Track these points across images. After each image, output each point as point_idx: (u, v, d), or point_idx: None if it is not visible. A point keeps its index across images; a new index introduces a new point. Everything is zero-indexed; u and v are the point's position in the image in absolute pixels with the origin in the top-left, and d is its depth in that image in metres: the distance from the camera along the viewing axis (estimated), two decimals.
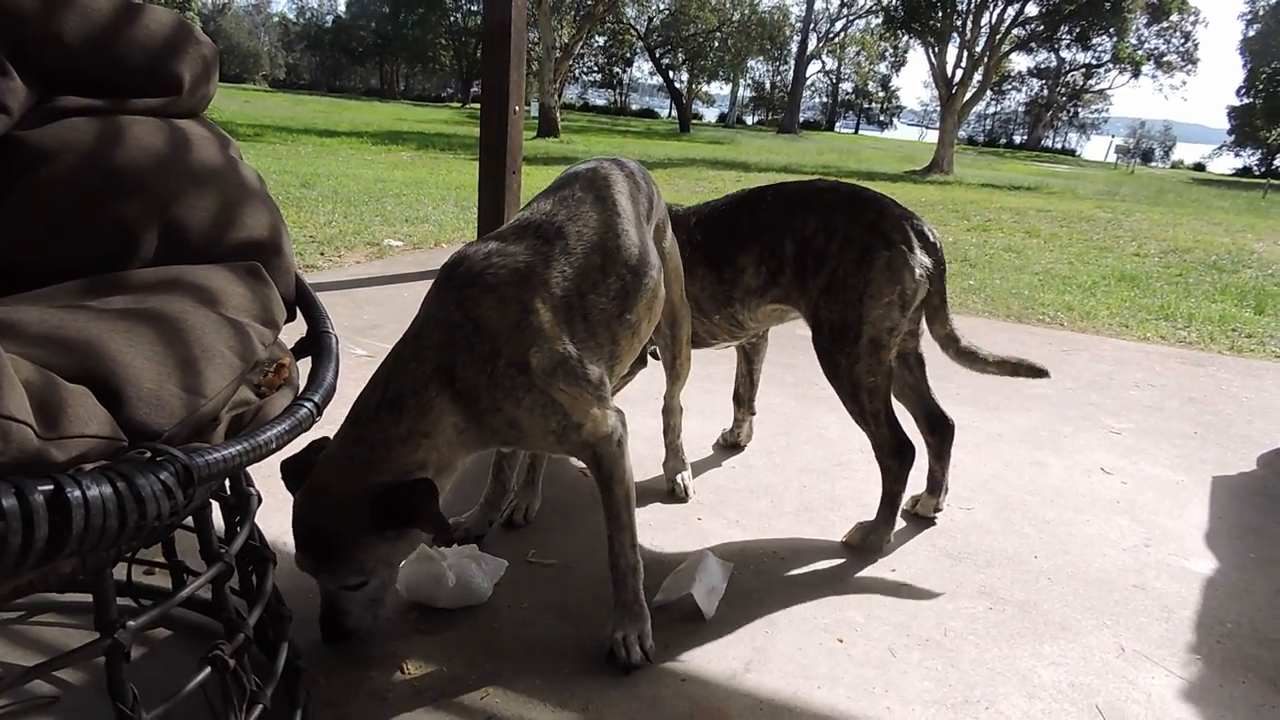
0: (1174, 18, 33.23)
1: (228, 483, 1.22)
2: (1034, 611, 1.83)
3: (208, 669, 1.01)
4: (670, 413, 2.26)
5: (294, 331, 1.34)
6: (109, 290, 1.12)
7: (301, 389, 1.17)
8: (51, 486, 0.70)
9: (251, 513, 1.20)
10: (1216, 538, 2.24)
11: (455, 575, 1.65)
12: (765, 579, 1.89)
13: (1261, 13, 39.72)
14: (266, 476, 1.54)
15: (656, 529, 2.07)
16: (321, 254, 5.08)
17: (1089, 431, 2.97)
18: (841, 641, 1.67)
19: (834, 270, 1.96)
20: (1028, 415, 3.10)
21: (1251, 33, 40.97)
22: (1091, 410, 3.20)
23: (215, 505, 1.19)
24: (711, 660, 1.59)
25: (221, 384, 0.99)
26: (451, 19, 50.70)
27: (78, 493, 0.71)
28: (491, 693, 1.45)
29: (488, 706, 1.42)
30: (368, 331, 3.44)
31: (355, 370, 2.99)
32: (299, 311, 1.39)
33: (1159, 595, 1.93)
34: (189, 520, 1.09)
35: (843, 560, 1.99)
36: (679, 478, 2.25)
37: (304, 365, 1.30)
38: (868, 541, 2.03)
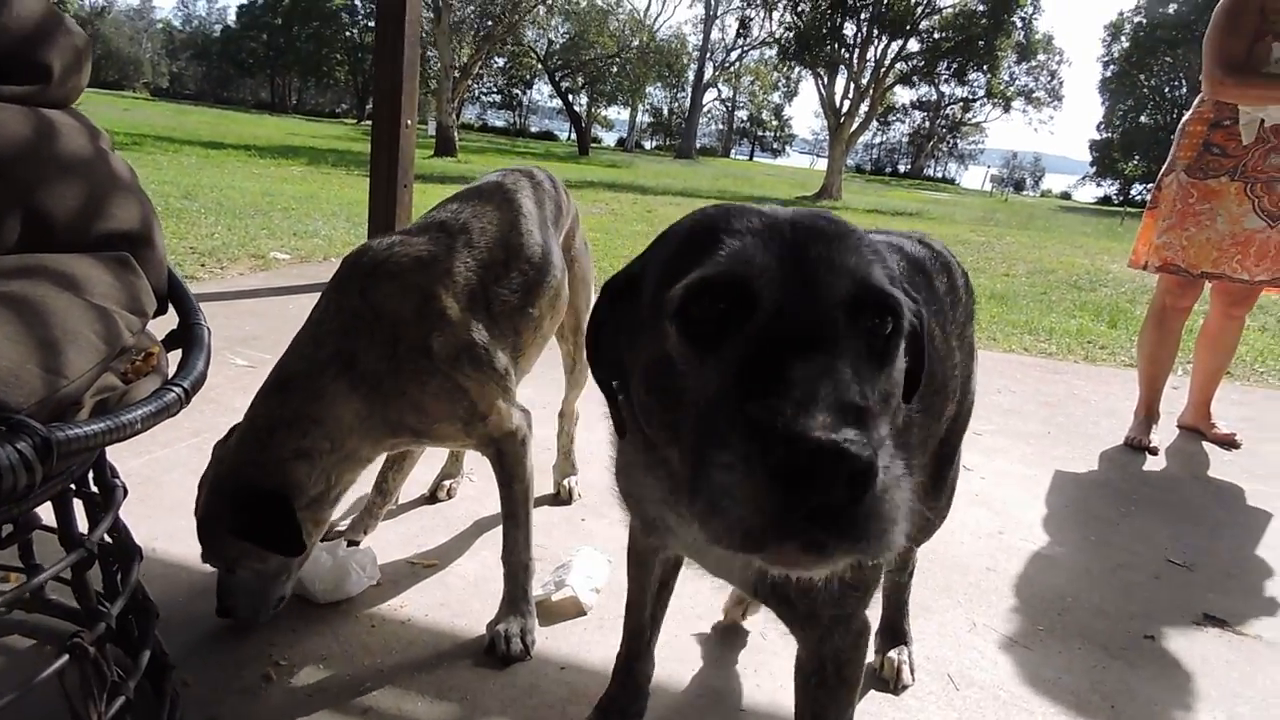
0: (1041, 57, 35.72)
1: (91, 474, 1.20)
2: None
3: (65, 657, 1.00)
4: (566, 418, 2.30)
5: (167, 328, 1.33)
6: None
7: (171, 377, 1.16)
8: None
9: (116, 504, 1.18)
10: (1061, 524, 2.44)
11: (330, 568, 1.64)
12: None
13: (1116, 56, 43.10)
14: (131, 474, 1.51)
15: (540, 529, 2.09)
16: (202, 265, 4.91)
17: None
18: (713, 629, 1.74)
19: None
20: None
21: (1108, 74, 44.38)
22: None
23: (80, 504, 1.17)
24: (590, 649, 1.63)
25: (84, 366, 0.98)
26: (347, 34, 49.68)
27: None
28: (369, 685, 1.46)
29: (364, 700, 1.43)
30: (249, 342, 3.35)
31: (236, 380, 2.93)
32: (171, 306, 1.37)
33: (1009, 576, 2.09)
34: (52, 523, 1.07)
35: None
36: (566, 481, 2.29)
37: (175, 360, 1.29)
38: None
